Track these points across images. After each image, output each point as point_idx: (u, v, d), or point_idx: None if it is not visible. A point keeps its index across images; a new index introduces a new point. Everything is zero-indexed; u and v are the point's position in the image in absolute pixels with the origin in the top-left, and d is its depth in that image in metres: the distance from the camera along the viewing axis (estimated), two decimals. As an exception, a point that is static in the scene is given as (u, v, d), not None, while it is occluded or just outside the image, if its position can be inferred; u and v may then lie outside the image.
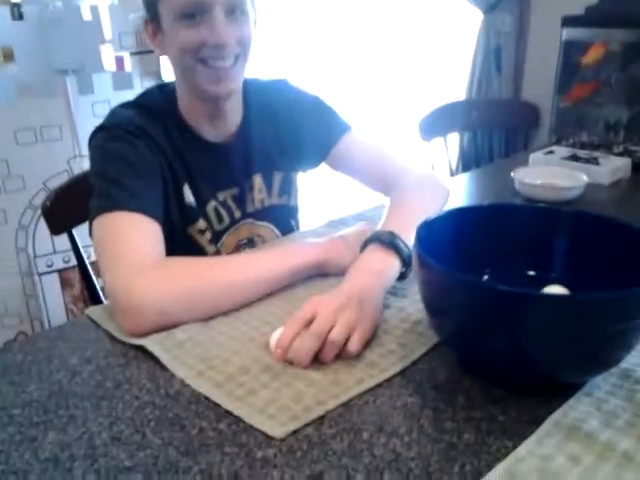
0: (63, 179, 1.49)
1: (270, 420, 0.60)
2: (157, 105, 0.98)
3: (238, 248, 1.08)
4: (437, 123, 1.96)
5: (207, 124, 1.00)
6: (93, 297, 1.23)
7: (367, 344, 0.72)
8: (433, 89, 2.42)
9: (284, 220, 1.16)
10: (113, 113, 0.96)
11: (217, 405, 0.63)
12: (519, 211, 0.82)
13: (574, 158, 1.48)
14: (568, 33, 1.57)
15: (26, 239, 2.09)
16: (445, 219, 0.77)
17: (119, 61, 2.38)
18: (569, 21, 1.55)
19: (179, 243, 0.84)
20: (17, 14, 1.90)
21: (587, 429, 0.58)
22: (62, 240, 1.25)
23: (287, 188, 1.14)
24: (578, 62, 1.57)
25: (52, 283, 2.18)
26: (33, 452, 0.57)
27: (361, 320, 0.70)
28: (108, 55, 2.43)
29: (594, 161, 1.45)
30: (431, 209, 0.91)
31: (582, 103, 1.60)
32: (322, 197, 2.30)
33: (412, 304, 0.82)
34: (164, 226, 0.87)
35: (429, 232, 0.71)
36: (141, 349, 0.72)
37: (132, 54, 2.18)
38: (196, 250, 1.01)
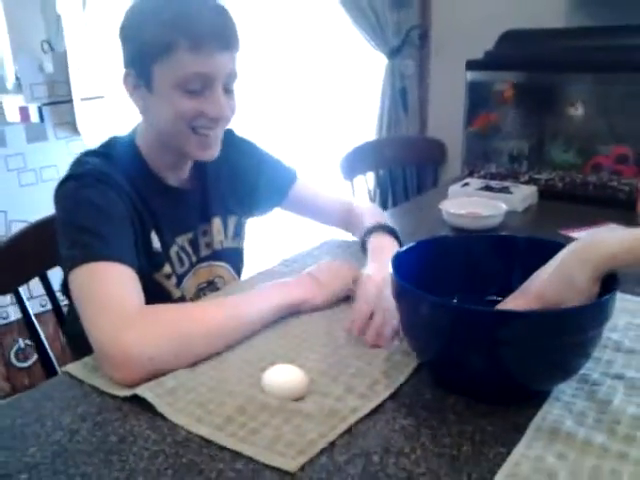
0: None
1: (281, 457, 0.63)
2: (120, 153, 0.99)
3: (199, 292, 1.09)
4: (356, 162, 2.06)
5: (170, 170, 1.04)
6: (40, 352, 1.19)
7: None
8: (348, 130, 2.55)
9: (237, 262, 1.19)
10: (79, 162, 0.96)
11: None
12: (477, 241, 0.91)
13: (488, 188, 1.62)
14: (472, 75, 1.74)
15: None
16: (411, 252, 0.84)
17: (24, 112, 2.31)
18: (472, 65, 1.72)
19: (147, 289, 0.85)
20: None
21: (565, 429, 0.66)
22: None
23: (239, 231, 1.17)
24: (484, 99, 1.74)
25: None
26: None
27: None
28: (11, 106, 2.35)
29: (506, 190, 1.59)
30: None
31: (488, 135, 1.76)
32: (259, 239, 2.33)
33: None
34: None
35: (400, 264, 0.77)
36: (135, 402, 0.72)
37: (45, 105, 2.13)
38: (163, 295, 1.01)
